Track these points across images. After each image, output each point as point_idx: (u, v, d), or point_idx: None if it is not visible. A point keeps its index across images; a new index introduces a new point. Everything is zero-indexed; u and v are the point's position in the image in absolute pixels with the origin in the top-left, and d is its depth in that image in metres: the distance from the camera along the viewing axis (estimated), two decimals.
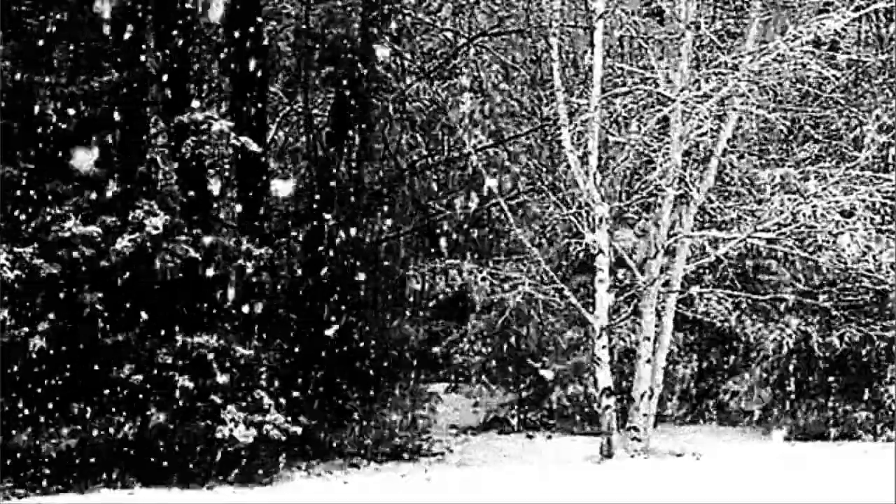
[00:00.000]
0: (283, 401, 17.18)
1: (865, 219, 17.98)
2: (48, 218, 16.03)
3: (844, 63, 21.46)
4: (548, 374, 22.24)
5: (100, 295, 16.04)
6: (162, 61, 18.15)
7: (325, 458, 18.62)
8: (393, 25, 21.33)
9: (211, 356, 16.55)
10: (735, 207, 19.53)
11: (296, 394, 18.18)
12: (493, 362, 23.51)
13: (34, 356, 15.75)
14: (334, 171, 20.48)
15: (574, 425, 22.12)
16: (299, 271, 20.28)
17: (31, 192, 16.21)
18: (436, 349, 23.44)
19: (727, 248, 18.99)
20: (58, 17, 16.73)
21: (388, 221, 21.82)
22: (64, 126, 16.49)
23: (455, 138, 22.46)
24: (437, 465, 18.73)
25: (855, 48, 22.82)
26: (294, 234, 21.10)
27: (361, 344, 19.83)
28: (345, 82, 20.35)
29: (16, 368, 15.85)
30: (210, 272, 17.06)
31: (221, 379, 16.58)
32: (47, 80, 16.45)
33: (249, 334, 17.37)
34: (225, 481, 16.54)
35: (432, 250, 23.43)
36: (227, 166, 21.29)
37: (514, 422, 22.83)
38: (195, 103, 17.83)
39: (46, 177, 16.29)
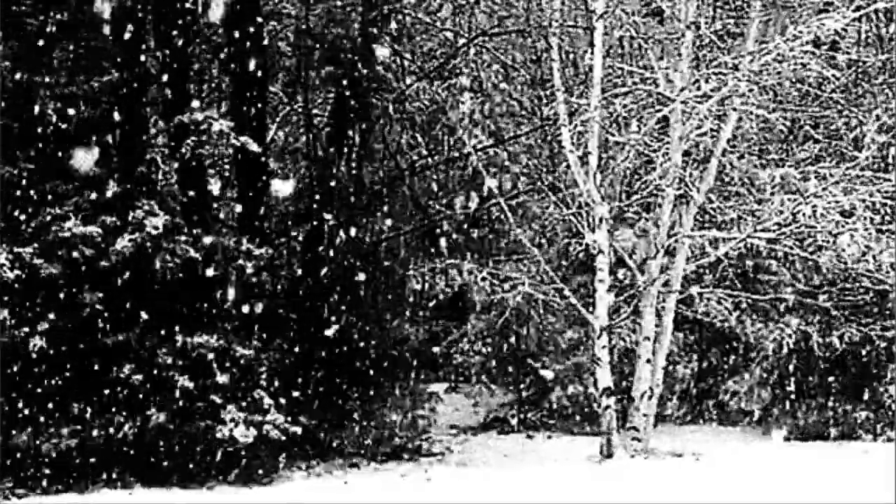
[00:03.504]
0: (283, 401, 17.18)
1: (865, 219, 17.98)
2: (48, 218, 16.03)
3: (844, 63, 21.50)
4: (548, 374, 22.25)
5: (100, 295, 16.05)
6: (162, 61, 18.18)
7: (325, 458, 18.62)
8: (393, 25, 21.33)
9: (211, 356, 16.55)
10: (735, 207, 19.53)
11: (296, 394, 18.18)
12: (493, 362, 23.54)
13: (34, 356, 15.75)
14: (334, 171, 20.47)
15: (574, 425, 22.12)
16: (299, 271, 20.28)
17: (31, 192, 16.23)
18: (436, 349, 23.44)
19: (727, 248, 18.99)
20: (58, 17, 16.73)
21: (388, 221, 21.80)
22: (64, 126, 16.50)
23: (455, 138, 22.47)
24: (437, 465, 18.72)
25: (855, 48, 22.84)
26: (294, 234, 21.11)
27: (361, 344, 19.82)
28: (345, 82, 20.36)
29: (16, 368, 15.85)
30: (210, 272, 17.05)
31: (221, 379, 16.59)
32: (47, 80, 16.46)
33: (249, 334, 17.37)
34: (225, 481, 16.54)
35: (432, 250, 23.39)
36: (227, 166, 21.32)
37: (514, 422, 22.85)
38: (195, 103, 17.86)
39: (46, 177, 16.30)
